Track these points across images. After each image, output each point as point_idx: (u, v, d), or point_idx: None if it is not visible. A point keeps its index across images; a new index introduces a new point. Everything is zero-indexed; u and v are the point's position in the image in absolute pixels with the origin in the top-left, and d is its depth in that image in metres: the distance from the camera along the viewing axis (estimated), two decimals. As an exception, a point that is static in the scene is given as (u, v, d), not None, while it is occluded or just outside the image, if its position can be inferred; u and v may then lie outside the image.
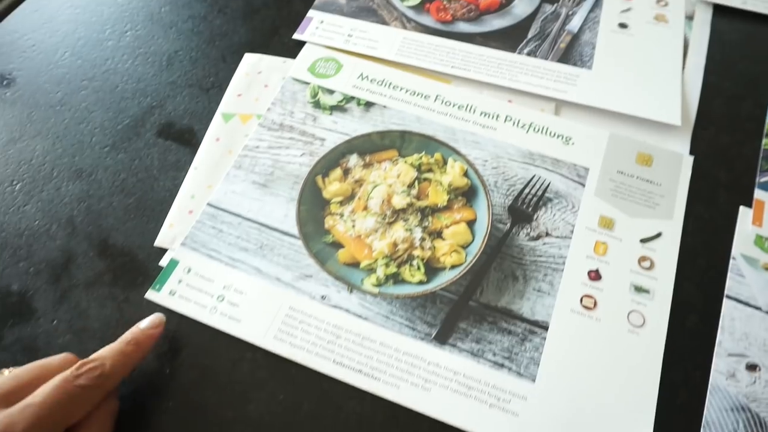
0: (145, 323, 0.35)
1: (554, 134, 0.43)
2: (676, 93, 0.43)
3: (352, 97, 0.45)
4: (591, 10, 0.49)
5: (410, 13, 0.50)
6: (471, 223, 0.40)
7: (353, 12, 0.51)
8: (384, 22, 0.50)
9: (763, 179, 0.40)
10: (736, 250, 0.38)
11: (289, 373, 0.35)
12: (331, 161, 0.42)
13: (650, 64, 0.45)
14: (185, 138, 0.45)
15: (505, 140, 0.43)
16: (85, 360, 0.31)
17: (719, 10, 0.49)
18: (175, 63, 0.49)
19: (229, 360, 0.36)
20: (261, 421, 0.34)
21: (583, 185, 0.40)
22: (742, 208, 0.39)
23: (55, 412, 0.28)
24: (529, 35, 0.48)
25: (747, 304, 0.36)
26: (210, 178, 0.43)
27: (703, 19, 0.49)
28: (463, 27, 0.49)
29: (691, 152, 0.42)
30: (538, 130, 0.43)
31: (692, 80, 0.45)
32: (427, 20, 0.49)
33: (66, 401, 0.29)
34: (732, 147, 0.42)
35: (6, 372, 0.31)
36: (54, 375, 0.30)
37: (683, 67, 0.45)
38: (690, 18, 0.49)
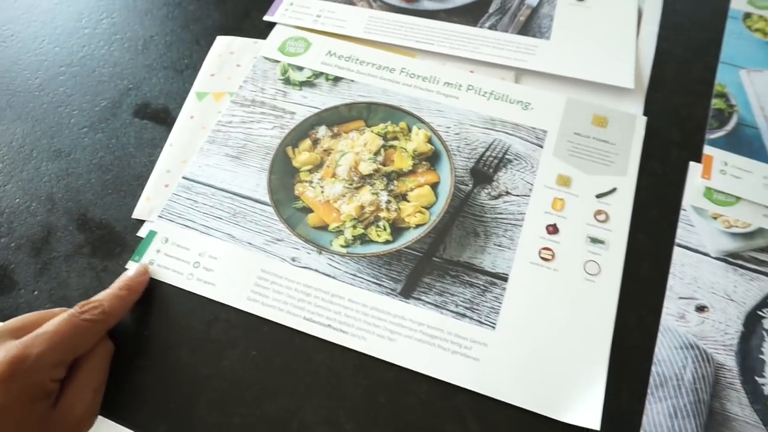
0: (131, 272, 0.38)
1: (514, 101, 0.44)
2: (630, 59, 0.45)
3: (321, 73, 0.47)
4: (550, -14, 0.51)
5: (377, -6, 0.52)
6: (435, 186, 0.41)
7: (322, -6, 0.52)
8: (351, 2, 0.51)
9: (712, 136, 0.42)
10: (686, 202, 0.39)
11: (262, 331, 0.37)
12: (301, 133, 0.44)
13: (606, 33, 0.47)
14: (160, 117, 0.47)
15: (467, 108, 0.44)
16: (85, 301, 0.34)
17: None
18: (151, 47, 0.51)
19: (204, 321, 0.37)
20: (234, 376, 0.36)
21: (542, 147, 0.42)
22: (692, 164, 0.41)
23: (65, 341, 0.31)
24: (490, 10, 0.50)
25: (696, 251, 0.38)
26: (185, 153, 0.44)
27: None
28: (427, 4, 0.50)
29: (645, 113, 0.43)
30: (499, 97, 0.45)
31: (646, 47, 0.47)
32: (392, -1, 0.51)
33: (74, 332, 0.32)
34: (683, 107, 0.44)
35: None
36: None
37: (637, 35, 0.47)
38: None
